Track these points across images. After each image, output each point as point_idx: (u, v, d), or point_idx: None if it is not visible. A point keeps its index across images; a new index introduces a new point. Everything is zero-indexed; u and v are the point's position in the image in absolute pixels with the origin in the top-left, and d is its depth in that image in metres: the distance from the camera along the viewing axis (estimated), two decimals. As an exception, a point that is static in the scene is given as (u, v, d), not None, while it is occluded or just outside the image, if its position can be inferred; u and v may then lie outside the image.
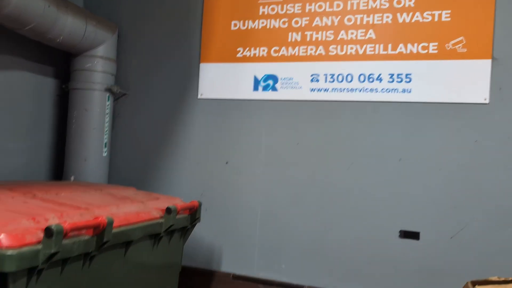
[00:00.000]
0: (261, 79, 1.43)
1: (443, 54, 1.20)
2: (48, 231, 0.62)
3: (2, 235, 0.59)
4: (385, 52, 1.27)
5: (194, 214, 1.17)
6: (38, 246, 0.61)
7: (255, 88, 1.43)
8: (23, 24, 1.16)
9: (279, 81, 1.40)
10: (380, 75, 1.28)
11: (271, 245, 1.36)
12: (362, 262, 1.24)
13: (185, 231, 1.17)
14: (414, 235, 1.19)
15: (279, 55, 1.40)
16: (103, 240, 0.76)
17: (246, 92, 1.43)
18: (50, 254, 0.63)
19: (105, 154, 1.47)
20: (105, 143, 1.47)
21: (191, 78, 1.50)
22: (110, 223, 0.75)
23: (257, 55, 1.42)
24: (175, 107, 1.53)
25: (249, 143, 1.43)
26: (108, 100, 1.48)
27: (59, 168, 1.54)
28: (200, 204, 1.20)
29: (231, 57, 1.45)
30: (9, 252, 0.57)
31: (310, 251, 1.31)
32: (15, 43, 1.33)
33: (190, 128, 1.51)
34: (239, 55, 1.44)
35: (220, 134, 1.47)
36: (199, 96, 1.49)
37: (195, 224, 1.20)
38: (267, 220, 1.38)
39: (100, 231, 0.75)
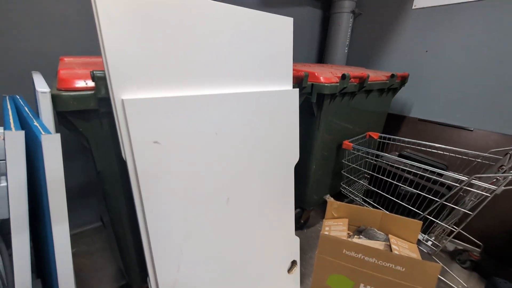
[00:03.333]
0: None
1: None
2: (343, 76, 1.38)
3: (322, 77, 1.37)
4: None
5: (404, 80, 1.80)
6: (337, 84, 1.32)
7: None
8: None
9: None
10: None
11: (452, 99, 1.85)
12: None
13: (396, 90, 1.85)
14: None
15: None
16: (363, 86, 1.46)
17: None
18: (342, 88, 1.35)
19: (346, 51, 2.33)
20: (347, 44, 2.31)
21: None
22: (368, 77, 1.47)
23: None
24: (391, 18, 2.09)
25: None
26: (351, 18, 2.22)
27: (322, 56, 2.54)
28: (408, 75, 1.80)
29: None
30: (326, 85, 1.32)
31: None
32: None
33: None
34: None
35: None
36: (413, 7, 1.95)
37: (402, 87, 1.84)
38: (451, 85, 1.84)
39: (363, 81, 1.45)
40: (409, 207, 1.34)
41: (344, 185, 1.71)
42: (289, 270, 1.30)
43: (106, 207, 0.95)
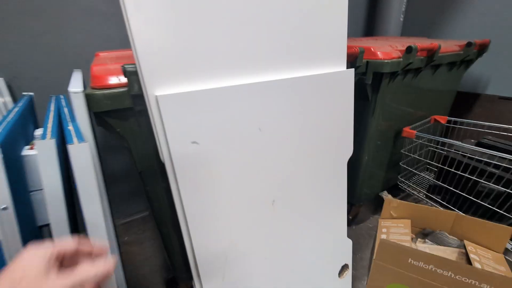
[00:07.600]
0: None
1: None
2: (409, 49, 1.09)
3: (379, 53, 1.14)
4: None
5: (482, 50, 1.45)
6: (399, 60, 1.09)
7: None
8: None
9: None
10: None
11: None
12: None
13: (470, 62, 1.51)
14: None
15: None
16: (432, 59, 1.18)
17: None
18: (407, 63, 1.10)
19: (401, 19, 1.96)
20: (403, 11, 1.93)
21: None
22: (439, 47, 1.20)
23: None
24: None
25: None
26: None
27: (370, 27, 2.17)
28: (489, 42, 1.45)
29: None
30: (386, 62, 1.08)
31: None
32: None
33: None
34: None
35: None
36: None
37: (479, 57, 1.50)
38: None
39: (432, 53, 1.18)
40: (494, 208, 1.10)
41: (401, 179, 1.49)
42: (340, 274, 1.17)
43: (150, 207, 0.91)
